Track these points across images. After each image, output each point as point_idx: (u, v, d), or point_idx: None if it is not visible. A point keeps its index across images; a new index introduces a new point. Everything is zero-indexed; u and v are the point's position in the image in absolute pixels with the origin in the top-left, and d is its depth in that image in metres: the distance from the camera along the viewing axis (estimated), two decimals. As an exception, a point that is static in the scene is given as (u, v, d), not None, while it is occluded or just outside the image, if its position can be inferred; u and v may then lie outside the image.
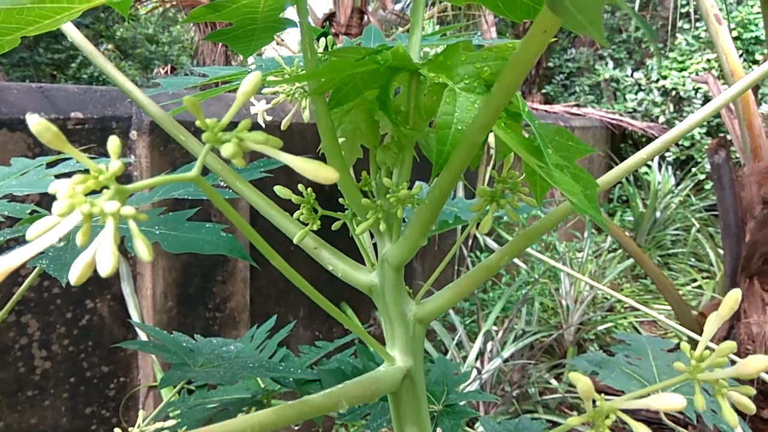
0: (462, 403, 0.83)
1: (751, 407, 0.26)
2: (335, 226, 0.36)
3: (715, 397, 0.24)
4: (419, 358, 0.35)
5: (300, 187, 0.34)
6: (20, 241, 0.64)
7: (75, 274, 0.21)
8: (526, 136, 0.31)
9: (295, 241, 0.33)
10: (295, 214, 0.34)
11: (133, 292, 1.89)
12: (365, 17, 5.70)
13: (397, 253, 0.32)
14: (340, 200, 0.35)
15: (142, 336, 1.71)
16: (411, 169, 0.33)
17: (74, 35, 0.37)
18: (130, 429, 0.66)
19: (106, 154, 1.77)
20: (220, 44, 6.30)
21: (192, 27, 6.68)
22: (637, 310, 3.33)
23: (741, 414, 1.86)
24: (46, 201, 1.47)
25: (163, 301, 1.99)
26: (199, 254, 2.17)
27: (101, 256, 0.18)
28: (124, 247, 1.86)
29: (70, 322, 1.81)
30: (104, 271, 0.18)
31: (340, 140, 0.33)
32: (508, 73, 0.23)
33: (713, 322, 0.25)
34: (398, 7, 7.23)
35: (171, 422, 0.67)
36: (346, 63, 0.27)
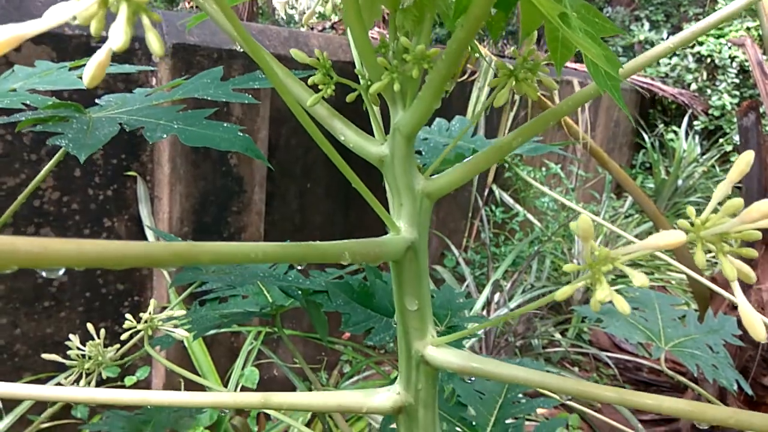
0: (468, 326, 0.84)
1: (752, 274, 0.26)
2: (350, 97, 0.36)
3: (716, 255, 0.24)
4: (424, 232, 0.36)
5: (317, 51, 0.34)
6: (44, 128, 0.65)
7: (88, 74, 0.21)
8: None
9: (307, 105, 0.33)
10: (311, 79, 0.34)
11: (150, 214, 1.91)
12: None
13: (409, 120, 0.32)
14: (356, 70, 0.35)
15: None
16: (431, 38, 0.33)
17: None
18: (141, 314, 0.68)
19: (128, 80, 1.77)
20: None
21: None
22: (650, 273, 3.32)
23: (744, 375, 1.85)
24: (68, 98, 1.47)
25: (179, 227, 2.02)
26: (217, 183, 2.18)
27: (115, 31, 0.18)
28: (142, 168, 1.88)
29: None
30: (116, 45, 0.18)
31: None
32: None
33: (723, 186, 0.25)
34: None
35: (180, 312, 0.69)
36: None
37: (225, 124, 0.64)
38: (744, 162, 0.24)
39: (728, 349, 2.05)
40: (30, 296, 1.77)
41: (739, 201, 0.23)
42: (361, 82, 0.36)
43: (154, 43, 0.20)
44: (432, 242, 3.18)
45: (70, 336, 0.75)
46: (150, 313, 0.69)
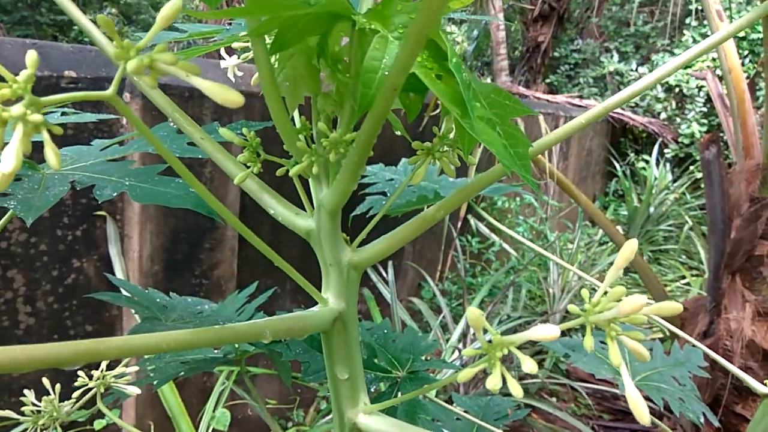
0: (429, 371, 0.85)
1: (645, 354, 0.27)
2: (279, 172, 0.37)
3: (605, 340, 0.26)
4: (353, 302, 0.37)
5: (245, 130, 0.35)
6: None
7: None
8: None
9: (236, 182, 0.35)
10: (239, 157, 0.35)
11: (119, 253, 1.90)
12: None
13: (330, 198, 0.33)
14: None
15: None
16: (354, 119, 0.34)
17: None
18: (93, 372, 0.67)
19: (99, 121, 1.77)
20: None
21: (197, -3, 6.58)
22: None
23: (713, 408, 1.87)
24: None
25: (150, 265, 2.00)
26: (188, 220, 2.18)
27: (5, 155, 0.19)
28: (112, 207, 1.87)
29: (55, 280, 1.83)
30: (5, 169, 0.19)
31: (285, 85, 0.34)
32: (420, 15, 0.24)
33: (612, 272, 0.27)
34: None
35: (134, 368, 0.69)
36: (274, 1, 0.28)
37: (177, 180, 0.65)
38: (629, 249, 0.26)
39: (699, 376, 2.07)
40: (-5, 340, 1.74)
41: (621, 290, 0.25)
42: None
43: (52, 158, 0.21)
44: (408, 274, 3.19)
45: (25, 392, 0.75)
46: (102, 371, 0.68)
